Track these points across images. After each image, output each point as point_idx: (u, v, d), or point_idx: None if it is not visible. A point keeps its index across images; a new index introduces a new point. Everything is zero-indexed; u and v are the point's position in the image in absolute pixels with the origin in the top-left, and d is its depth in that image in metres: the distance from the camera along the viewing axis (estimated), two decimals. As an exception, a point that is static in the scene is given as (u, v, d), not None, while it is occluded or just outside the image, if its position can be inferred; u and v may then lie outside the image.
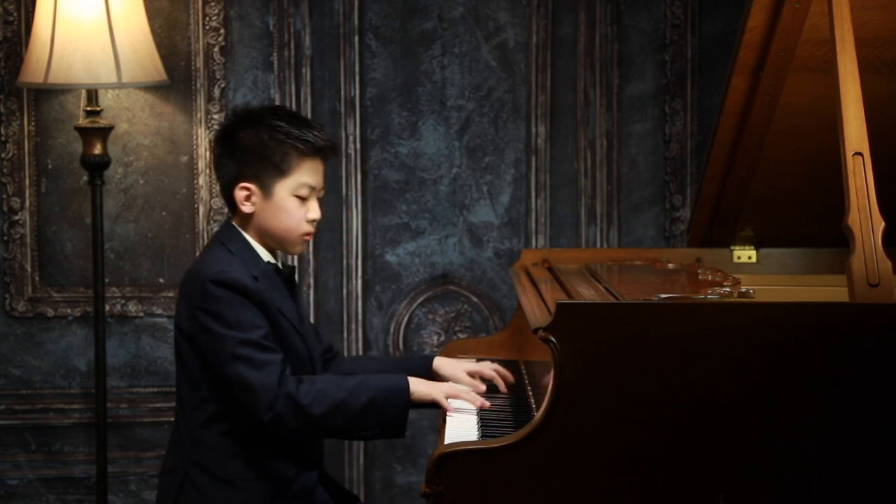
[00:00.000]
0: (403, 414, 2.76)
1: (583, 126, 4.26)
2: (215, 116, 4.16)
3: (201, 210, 4.20)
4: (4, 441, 4.24)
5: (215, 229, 4.00)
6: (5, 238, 4.17)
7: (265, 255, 2.85)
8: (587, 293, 2.93)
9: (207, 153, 4.15)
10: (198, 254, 4.04)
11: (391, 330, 4.30)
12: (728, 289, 2.87)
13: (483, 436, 2.67)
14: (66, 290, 4.21)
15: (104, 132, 3.96)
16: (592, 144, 4.26)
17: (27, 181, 4.16)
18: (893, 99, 3.05)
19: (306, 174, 2.81)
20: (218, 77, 4.17)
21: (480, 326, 4.31)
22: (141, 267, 4.22)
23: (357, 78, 4.22)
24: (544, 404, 2.49)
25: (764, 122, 3.16)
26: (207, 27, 4.16)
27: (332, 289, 4.27)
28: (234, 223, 2.86)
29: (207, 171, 4.16)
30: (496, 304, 4.31)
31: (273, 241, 2.85)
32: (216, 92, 4.17)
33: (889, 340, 2.47)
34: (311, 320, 4.20)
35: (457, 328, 4.32)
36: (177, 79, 4.15)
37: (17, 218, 4.17)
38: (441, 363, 3.05)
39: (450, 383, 2.94)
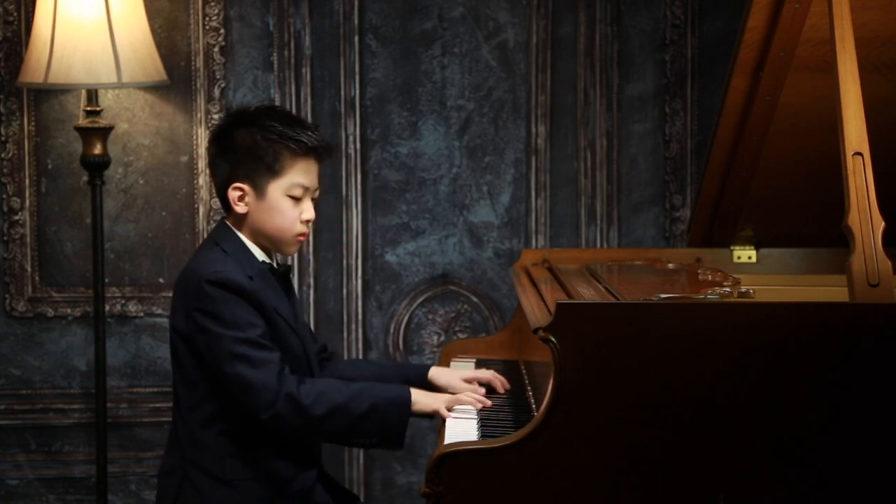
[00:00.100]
0: (403, 424, 2.75)
1: (583, 126, 4.26)
2: (215, 116, 4.15)
3: (201, 210, 4.20)
4: (4, 441, 4.24)
5: (215, 229, 3.99)
6: (5, 238, 4.17)
7: (259, 255, 2.84)
8: (587, 293, 2.92)
9: (207, 153, 4.15)
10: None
11: (391, 330, 4.30)
12: (728, 289, 2.87)
13: (483, 436, 2.67)
14: (66, 290, 4.21)
15: (104, 132, 3.96)
16: (592, 144, 4.26)
17: (27, 181, 4.16)
18: (893, 99, 3.05)
19: (299, 174, 2.80)
20: (218, 77, 4.17)
21: (480, 326, 4.31)
22: (141, 267, 4.22)
23: (357, 78, 4.21)
24: (544, 404, 2.49)
25: (764, 122, 3.15)
26: (207, 27, 4.16)
27: (332, 289, 4.27)
28: (228, 223, 2.85)
29: (207, 171, 4.14)
30: (496, 304, 4.31)
31: (267, 242, 2.84)
32: (216, 92, 4.17)
33: (889, 340, 2.47)
34: (311, 320, 4.21)
35: (457, 328, 4.31)
36: (177, 79, 4.14)
37: (17, 218, 4.16)
38: (437, 373, 3.03)
39: (450, 395, 2.92)
